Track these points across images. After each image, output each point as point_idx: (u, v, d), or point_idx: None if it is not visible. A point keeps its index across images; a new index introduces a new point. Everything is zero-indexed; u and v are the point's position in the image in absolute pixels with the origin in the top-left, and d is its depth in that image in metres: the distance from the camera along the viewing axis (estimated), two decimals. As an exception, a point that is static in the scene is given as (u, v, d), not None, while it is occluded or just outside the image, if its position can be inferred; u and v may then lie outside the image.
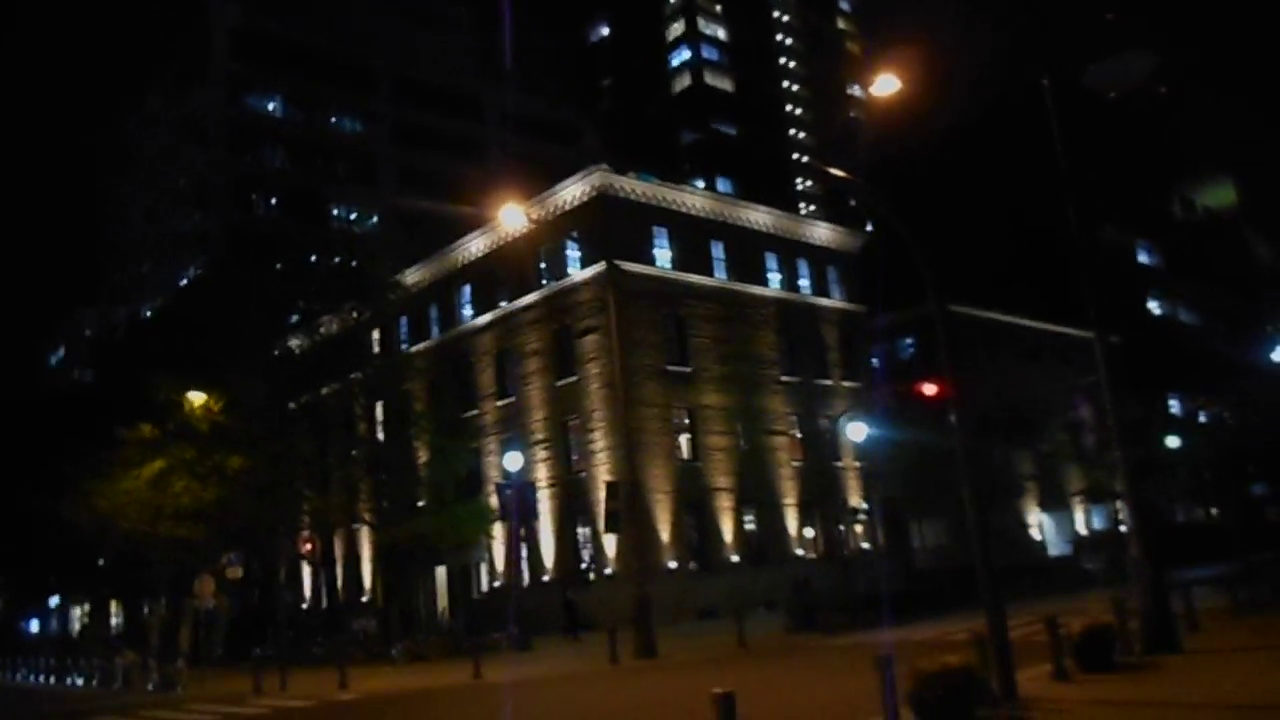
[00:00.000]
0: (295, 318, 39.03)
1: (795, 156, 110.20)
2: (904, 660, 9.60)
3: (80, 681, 32.56)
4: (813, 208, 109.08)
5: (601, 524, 32.64)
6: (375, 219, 67.22)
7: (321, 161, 65.98)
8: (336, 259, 56.90)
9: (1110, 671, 12.31)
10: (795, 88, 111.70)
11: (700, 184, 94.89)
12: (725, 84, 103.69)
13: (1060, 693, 11.15)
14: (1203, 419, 67.53)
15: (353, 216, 66.99)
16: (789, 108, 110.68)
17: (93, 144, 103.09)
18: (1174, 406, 65.03)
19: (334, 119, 67.87)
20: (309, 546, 33.26)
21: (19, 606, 79.62)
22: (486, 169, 73.02)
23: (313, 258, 58.91)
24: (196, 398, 33.17)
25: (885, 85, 16.67)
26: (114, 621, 58.31)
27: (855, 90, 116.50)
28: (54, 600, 71.24)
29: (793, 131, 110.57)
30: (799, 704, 12.70)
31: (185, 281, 66.11)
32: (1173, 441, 53.75)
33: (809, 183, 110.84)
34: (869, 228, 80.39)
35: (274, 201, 63.75)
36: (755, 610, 29.59)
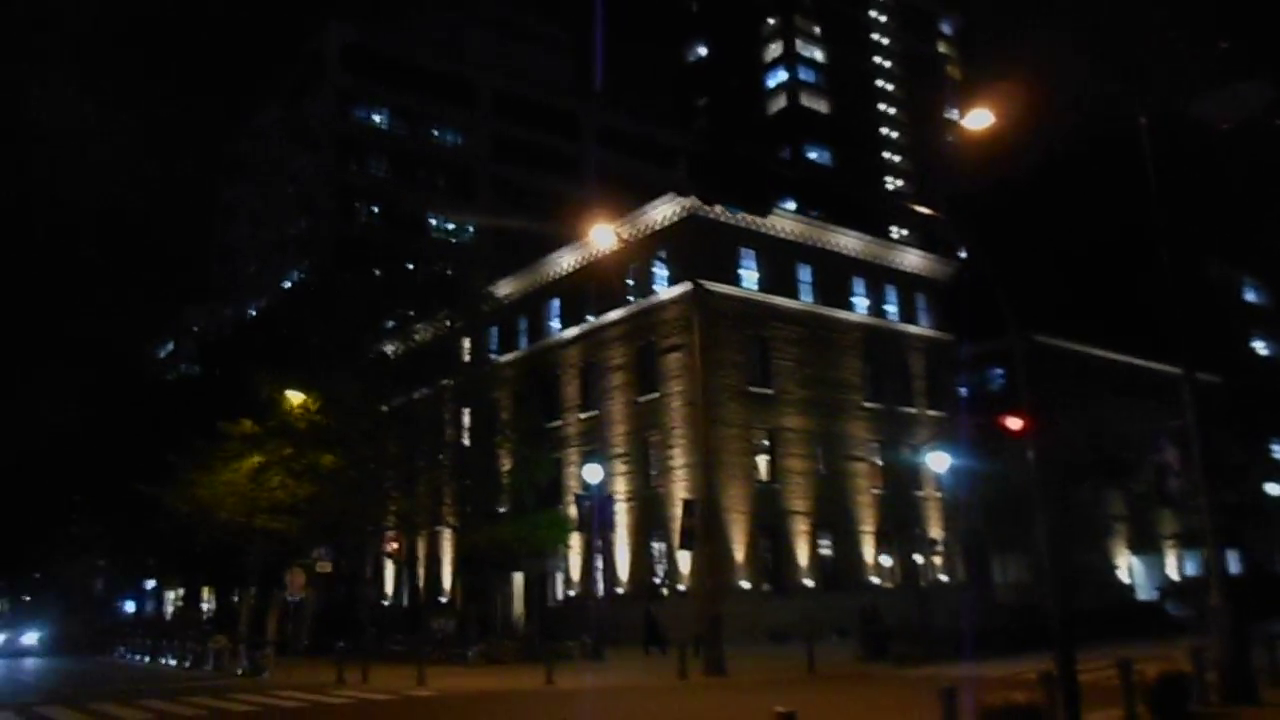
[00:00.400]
0: (391, 323, 40.54)
1: (889, 180, 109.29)
2: (974, 696, 9.75)
3: (174, 662, 34.27)
4: (904, 232, 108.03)
5: (677, 540, 33.08)
6: (471, 230, 69.05)
7: (423, 173, 68.16)
8: (433, 268, 58.98)
9: (1183, 719, 12.15)
10: (892, 111, 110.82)
11: (791, 205, 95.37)
12: (821, 105, 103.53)
13: (1129, 738, 11.09)
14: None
15: (450, 227, 68.91)
16: (885, 131, 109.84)
17: (211, 151, 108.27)
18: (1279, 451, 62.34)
19: (435, 132, 69.99)
20: (395, 546, 34.37)
21: (117, 587, 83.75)
22: (580, 185, 74.44)
23: (410, 266, 61.11)
24: (295, 396, 34.74)
25: (978, 119, 16.77)
26: (205, 607, 60.83)
27: (953, 114, 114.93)
28: (150, 584, 74.77)
29: (888, 155, 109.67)
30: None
31: (289, 284, 69.00)
32: (1274, 488, 51.62)
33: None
34: (961, 253, 79.41)
35: (376, 210, 66.05)
36: (827, 636, 29.51)
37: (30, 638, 60.62)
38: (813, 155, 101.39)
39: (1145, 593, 48.08)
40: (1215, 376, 57.92)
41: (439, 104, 69.67)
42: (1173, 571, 49.62)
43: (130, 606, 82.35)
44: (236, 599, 50.28)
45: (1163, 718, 12.21)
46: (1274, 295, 68.82)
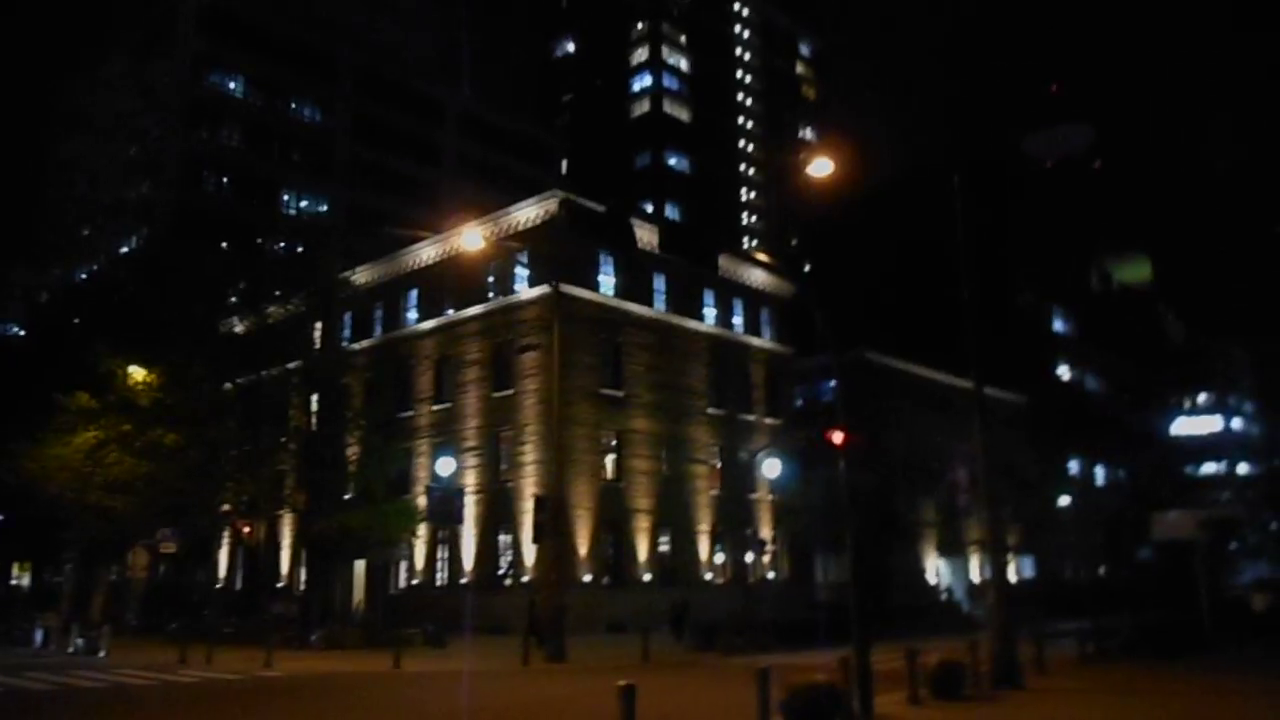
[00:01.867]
0: (235, 299, 39.65)
1: (742, 191, 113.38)
2: (783, 684, 11.41)
3: (-8, 642, 32.74)
4: (755, 242, 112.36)
5: (523, 533, 34.25)
6: (325, 209, 67.69)
7: (278, 146, 66.29)
8: (283, 246, 57.62)
9: (957, 700, 14.34)
10: (750, 124, 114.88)
11: (649, 208, 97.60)
12: (683, 114, 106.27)
13: (909, 714, 13.12)
14: (1100, 482, 71.77)
15: (303, 204, 67.35)
16: (742, 144, 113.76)
17: (43, 101, 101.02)
18: (1074, 468, 68.87)
19: (294, 105, 68.20)
20: (248, 530, 33.99)
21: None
22: (443, 171, 74.15)
23: (259, 241, 59.45)
24: (138, 372, 33.85)
25: (821, 168, 18.78)
26: (13, 584, 57.47)
27: (807, 134, 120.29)
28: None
29: (744, 168, 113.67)
30: (690, 707, 14.43)
31: (125, 250, 65.80)
32: (1063, 500, 57.34)
33: (753, 218, 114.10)
34: (805, 268, 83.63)
35: (225, 181, 63.81)
36: (661, 627, 31.30)
37: None
38: (673, 161, 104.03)
39: (950, 592, 52.69)
40: (1021, 397, 63.69)
41: (299, 76, 67.85)
42: (975, 574, 54.34)
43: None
44: (61, 577, 48.06)
45: (940, 698, 14.39)
46: (1078, 325, 75.76)
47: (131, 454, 31.49)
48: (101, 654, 24.61)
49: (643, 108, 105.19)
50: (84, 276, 68.49)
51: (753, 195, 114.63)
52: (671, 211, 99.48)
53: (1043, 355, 69.93)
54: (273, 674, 20.08)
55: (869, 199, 69.60)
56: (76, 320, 48.95)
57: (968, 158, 66.88)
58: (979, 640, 16.63)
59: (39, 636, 29.41)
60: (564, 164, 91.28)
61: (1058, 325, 74.36)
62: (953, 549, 54.76)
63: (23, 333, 71.24)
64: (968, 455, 17.00)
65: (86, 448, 31.66)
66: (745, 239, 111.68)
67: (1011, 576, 56.79)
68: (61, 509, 34.53)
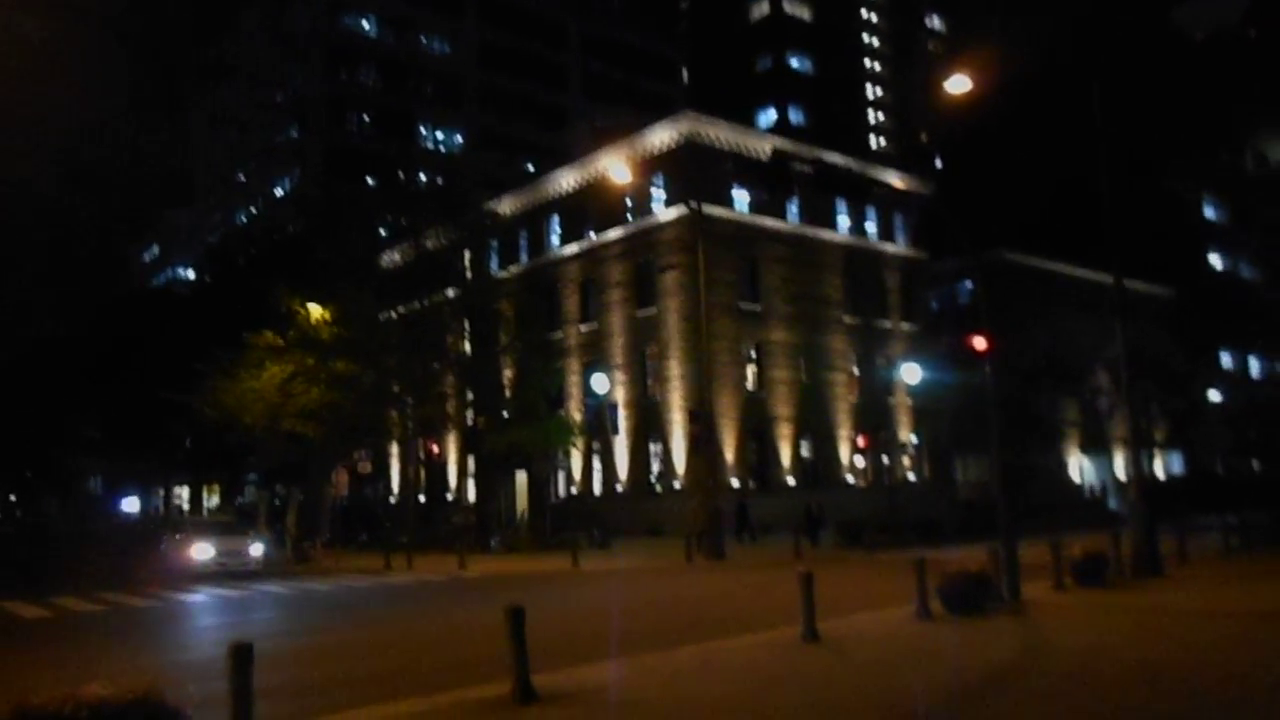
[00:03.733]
0: (388, 233, 42.33)
1: (869, 90, 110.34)
2: (936, 572, 12.87)
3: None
4: (883, 141, 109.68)
5: (673, 442, 36.39)
6: (460, 139, 70.19)
7: (412, 82, 68.81)
8: (425, 179, 60.45)
9: (1099, 587, 15.48)
10: (874, 18, 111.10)
11: (773, 112, 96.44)
12: (804, 13, 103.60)
13: (1053, 598, 14.39)
14: (1255, 375, 68.83)
15: (439, 136, 69.99)
16: (867, 39, 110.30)
17: (185, 54, 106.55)
18: (1227, 361, 66.26)
19: (423, 40, 70.35)
20: (436, 450, 37.19)
21: (114, 487, 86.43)
22: (569, 94, 75.42)
23: (401, 175, 62.51)
24: (315, 309, 37.07)
25: (958, 84, 19.19)
26: (208, 504, 63.88)
27: (934, 22, 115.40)
28: (143, 484, 77.59)
29: (869, 63, 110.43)
30: (854, 593, 16.03)
31: (280, 192, 70.16)
32: (1214, 395, 55.60)
33: (880, 115, 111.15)
34: (938, 162, 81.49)
35: (366, 119, 66.91)
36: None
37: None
38: (794, 63, 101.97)
39: (1094, 489, 52.55)
40: (1169, 290, 61.52)
41: (426, 10, 69.84)
42: (1120, 471, 53.90)
43: (126, 505, 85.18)
44: (240, 499, 53.41)
45: (1084, 584, 15.57)
46: (1232, 210, 71.73)
47: (317, 385, 34.73)
48: (312, 564, 28.04)
49: (762, 10, 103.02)
50: (244, 219, 73.52)
51: (879, 92, 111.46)
52: (795, 115, 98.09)
53: (1193, 245, 66.92)
54: (470, 574, 22.81)
55: (1006, 88, 66.99)
56: (244, 261, 53.12)
57: (1110, 36, 63.63)
58: (1121, 534, 17.59)
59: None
60: (684, 73, 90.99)
61: (1209, 212, 70.65)
62: (1097, 446, 54.33)
63: (191, 273, 77.31)
64: (1109, 356, 17.49)
65: (278, 381, 35.09)
66: (872, 137, 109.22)
67: (1159, 473, 56.20)
68: (252, 437, 38.35)
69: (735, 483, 36.45)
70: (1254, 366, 69.42)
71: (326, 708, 7.86)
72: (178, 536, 27.60)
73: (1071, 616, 12.79)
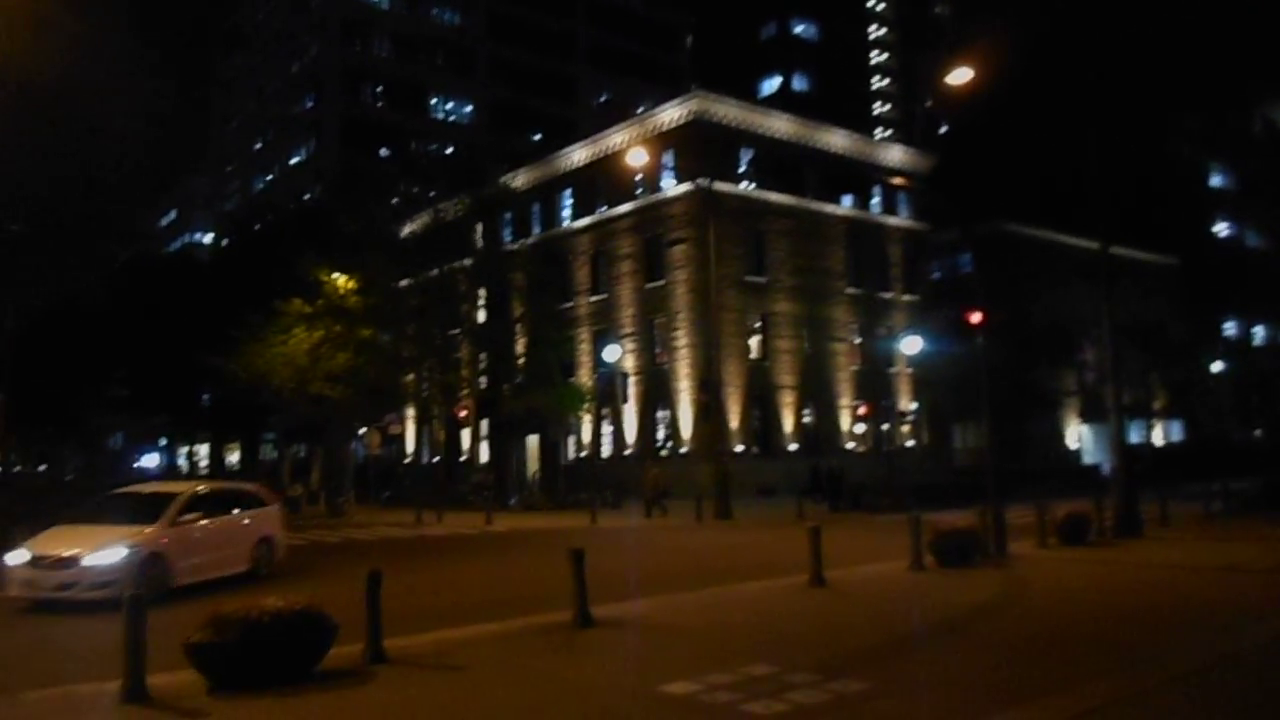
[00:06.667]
0: (402, 201, 43.56)
1: (873, 54, 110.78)
2: (930, 530, 14.43)
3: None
4: (886, 106, 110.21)
5: (680, 409, 37.99)
6: (470, 109, 71.18)
7: (423, 53, 69.68)
8: (438, 149, 61.62)
9: (1081, 545, 17.08)
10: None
11: (778, 79, 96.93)
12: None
13: (1037, 554, 16.00)
14: (1258, 343, 69.62)
15: (450, 107, 70.98)
16: (870, 2, 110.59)
17: (201, 24, 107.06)
18: (1231, 330, 67.03)
19: (434, 11, 71.10)
20: (465, 413, 38.81)
21: (135, 444, 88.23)
22: (577, 63, 76.21)
23: (413, 145, 63.69)
24: (339, 277, 38.51)
25: (960, 75, 20.42)
26: (229, 460, 65.60)
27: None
28: (163, 441, 79.46)
29: (873, 29, 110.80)
30: (854, 549, 17.58)
31: (296, 160, 71.24)
32: (1216, 366, 56.75)
33: (885, 80, 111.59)
34: (943, 129, 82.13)
35: (380, 90, 67.89)
36: (809, 492, 34.73)
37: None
38: (799, 29, 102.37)
39: (1092, 456, 54.10)
40: (1172, 258, 62.42)
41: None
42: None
43: (147, 462, 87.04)
44: (278, 455, 55.06)
45: (1067, 544, 17.15)
46: (1238, 177, 71.58)
47: (345, 350, 36.27)
48: (346, 517, 29.75)
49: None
50: (261, 187, 74.66)
51: (884, 57, 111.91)
52: (800, 83, 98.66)
53: (1198, 212, 67.34)
54: (498, 529, 24.49)
55: (1012, 52, 67.40)
56: (263, 228, 54.36)
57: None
58: (1105, 498, 19.17)
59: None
60: (689, 40, 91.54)
61: (1215, 180, 70.87)
62: (1096, 415, 55.80)
63: (208, 238, 78.43)
64: (1095, 339, 18.75)
65: (306, 346, 36.62)
66: (876, 103, 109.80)
67: (1158, 441, 57.72)
68: (276, 399, 39.78)
69: (739, 447, 38.08)
70: (1259, 335, 70.08)
71: (418, 630, 9.43)
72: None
73: (1050, 568, 14.41)
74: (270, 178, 73.42)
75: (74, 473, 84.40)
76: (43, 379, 58.27)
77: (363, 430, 38.97)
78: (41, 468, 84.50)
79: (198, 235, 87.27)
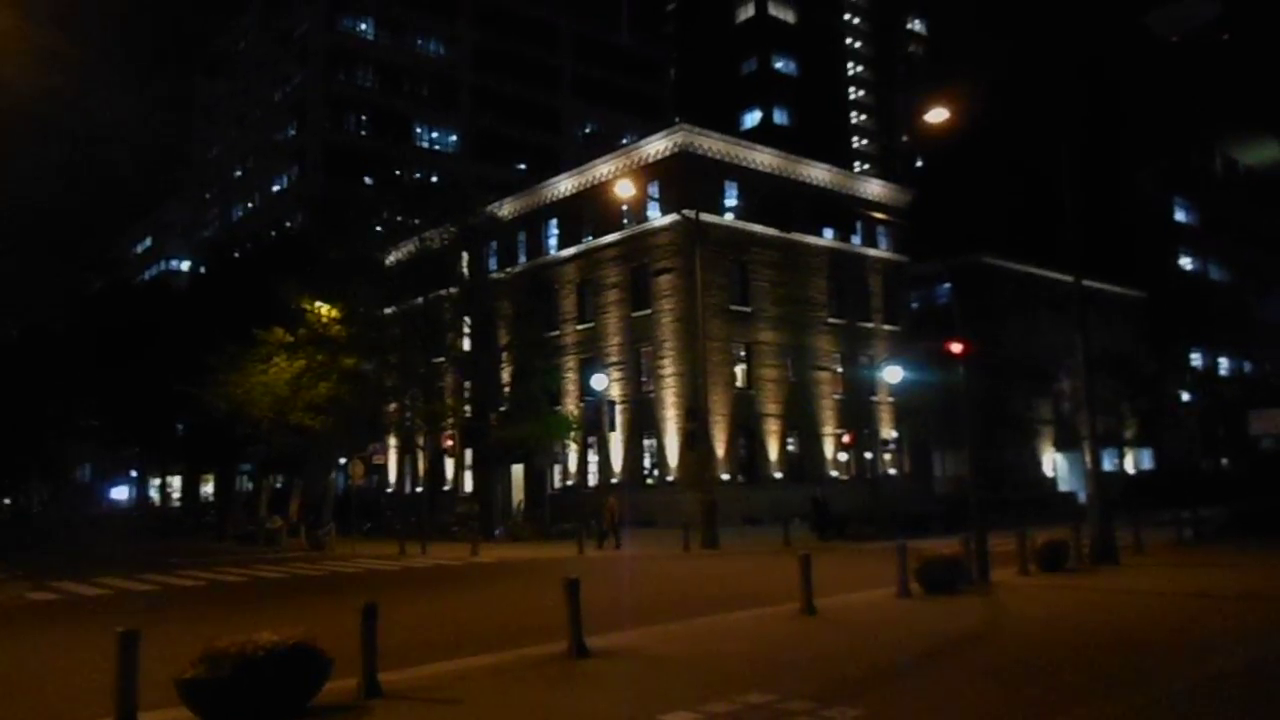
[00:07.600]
0: (383, 230, 43.50)
1: (852, 90, 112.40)
2: (915, 558, 14.69)
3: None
4: (865, 141, 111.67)
5: (666, 438, 38.20)
6: (454, 139, 71.62)
7: (408, 83, 70.15)
8: (421, 177, 61.89)
9: (1060, 572, 17.38)
10: (856, 20, 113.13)
11: (757, 114, 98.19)
12: (788, 15, 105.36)
13: (1018, 581, 16.27)
14: (1223, 373, 71.13)
15: (434, 136, 71.41)
16: (850, 42, 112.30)
17: (184, 51, 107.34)
18: (1197, 361, 68.44)
19: (419, 42, 71.69)
20: (450, 443, 38.76)
21: (104, 476, 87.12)
22: (561, 95, 76.94)
23: (397, 173, 63.93)
24: (323, 307, 38.52)
25: (937, 115, 20.93)
26: (203, 492, 64.90)
27: (916, 25, 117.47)
28: (133, 473, 78.55)
29: (851, 66, 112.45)
30: (842, 576, 17.78)
31: (277, 188, 71.33)
32: (1184, 396, 57.81)
33: (863, 116, 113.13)
34: (919, 163, 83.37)
35: (363, 119, 68.24)
36: (792, 520, 34.94)
37: None
38: (779, 65, 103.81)
39: (1067, 484, 54.74)
40: (1140, 292, 63.77)
41: (422, 12, 71.15)
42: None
43: (115, 494, 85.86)
44: (253, 486, 54.55)
45: (1046, 570, 17.45)
46: (1202, 213, 73.82)
47: (327, 380, 36.23)
48: (327, 550, 29.61)
49: (747, 12, 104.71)
50: (241, 214, 74.61)
51: (861, 93, 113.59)
52: (780, 116, 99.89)
53: (1164, 246, 69.06)
54: (484, 560, 24.51)
55: (986, 90, 68.89)
56: (243, 255, 54.14)
57: (1085, 40, 65.47)
58: (1082, 526, 19.50)
59: (263, 538, 34.85)
60: (672, 73, 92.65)
61: (1180, 215, 72.75)
62: (1070, 444, 56.49)
63: (185, 266, 77.99)
64: (1076, 359, 19.27)
65: (287, 376, 36.51)
66: (854, 138, 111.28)
67: (1130, 469, 58.48)
68: (253, 428, 39.40)
69: (725, 476, 38.29)
70: (1223, 366, 71.71)
71: (411, 663, 9.54)
72: None
73: (1031, 595, 14.69)
74: (251, 205, 73.45)
75: (40, 505, 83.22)
76: (8, 407, 57.42)
77: (344, 460, 38.92)
78: (5, 501, 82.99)
79: (174, 263, 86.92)
